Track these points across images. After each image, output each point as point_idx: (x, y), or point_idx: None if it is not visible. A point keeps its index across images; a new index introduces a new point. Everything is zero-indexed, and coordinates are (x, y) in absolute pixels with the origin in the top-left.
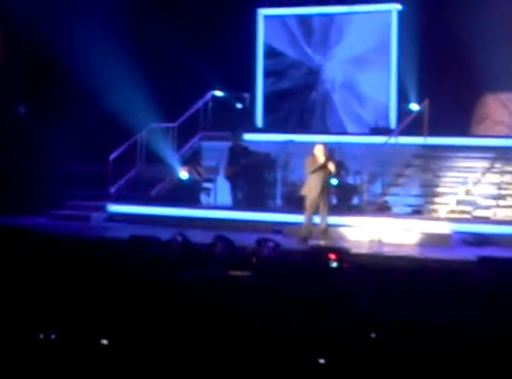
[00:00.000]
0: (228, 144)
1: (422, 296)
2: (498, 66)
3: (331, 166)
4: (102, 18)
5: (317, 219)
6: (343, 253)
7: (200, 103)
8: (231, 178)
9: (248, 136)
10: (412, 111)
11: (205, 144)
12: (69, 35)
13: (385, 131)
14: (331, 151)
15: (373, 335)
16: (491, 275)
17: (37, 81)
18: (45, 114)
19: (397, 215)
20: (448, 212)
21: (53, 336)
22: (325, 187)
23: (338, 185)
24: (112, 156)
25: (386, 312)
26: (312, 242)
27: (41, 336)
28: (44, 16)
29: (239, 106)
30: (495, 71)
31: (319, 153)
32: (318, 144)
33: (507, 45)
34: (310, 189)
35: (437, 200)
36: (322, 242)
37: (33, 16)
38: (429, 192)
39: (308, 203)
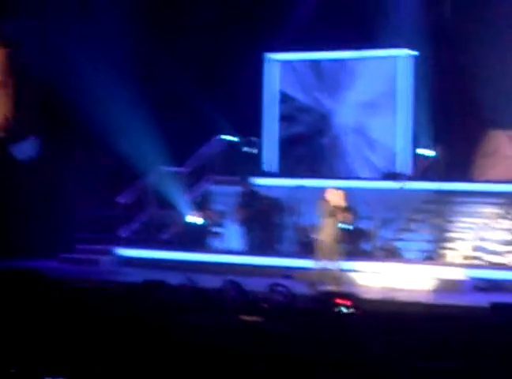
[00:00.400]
0: (238, 188)
1: (434, 342)
2: None
3: (345, 214)
4: (113, 61)
5: (329, 264)
6: (353, 299)
7: (210, 147)
8: (242, 221)
9: (258, 181)
10: (423, 157)
11: (215, 188)
12: (81, 79)
13: (397, 176)
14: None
15: None
16: (504, 321)
17: (48, 126)
18: (56, 158)
19: (409, 261)
20: (460, 258)
21: None
22: (339, 232)
23: (350, 230)
24: (121, 200)
25: (397, 358)
26: (322, 288)
27: None
28: (56, 60)
29: (248, 150)
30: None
31: (332, 198)
32: (330, 188)
33: None
34: (324, 233)
35: (449, 245)
36: (333, 288)
37: (46, 62)
38: (441, 237)
39: (321, 247)
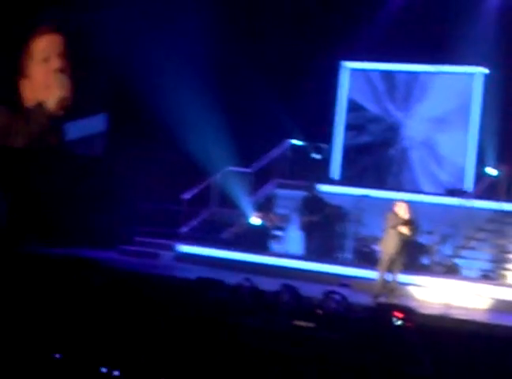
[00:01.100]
0: (302, 193)
1: (486, 363)
2: None
3: (408, 227)
4: (189, 60)
5: (389, 276)
6: (409, 313)
7: (278, 151)
8: (303, 227)
9: (323, 188)
10: (489, 175)
11: (279, 191)
12: (153, 76)
13: (461, 193)
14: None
15: None
16: None
17: (118, 120)
18: (123, 149)
19: (466, 278)
20: None
21: (116, 373)
22: (403, 245)
23: (411, 244)
24: (186, 196)
25: (449, 376)
26: (379, 299)
27: (103, 371)
28: (130, 56)
29: (316, 156)
30: None
31: (400, 210)
32: (400, 201)
33: None
34: (388, 245)
35: (508, 266)
36: (390, 299)
37: (120, 54)
38: (501, 257)
39: (384, 258)
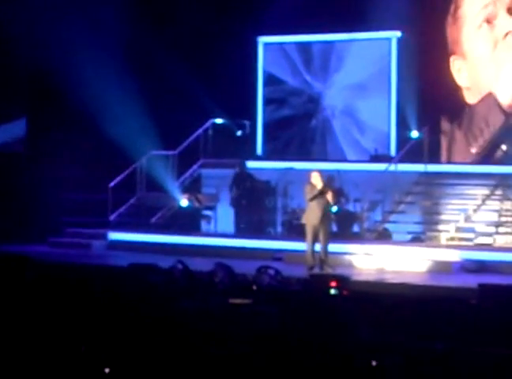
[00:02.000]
0: (228, 171)
1: (422, 324)
2: None
3: (328, 195)
4: (103, 46)
5: (317, 247)
6: (342, 281)
7: (200, 131)
8: (232, 204)
9: (249, 164)
10: (412, 138)
11: (205, 171)
12: (70, 62)
13: (386, 158)
14: (330, 178)
15: (373, 363)
16: (492, 303)
17: (38, 110)
18: (46, 142)
19: (398, 243)
20: (448, 239)
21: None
22: (325, 214)
23: (338, 213)
24: (112, 184)
25: (387, 339)
26: (312, 270)
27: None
28: (46, 42)
29: (239, 133)
30: None
31: (316, 180)
32: (313, 171)
33: None
34: (310, 216)
35: (437, 227)
36: (323, 270)
37: (36, 43)
38: (429, 219)
39: (308, 230)
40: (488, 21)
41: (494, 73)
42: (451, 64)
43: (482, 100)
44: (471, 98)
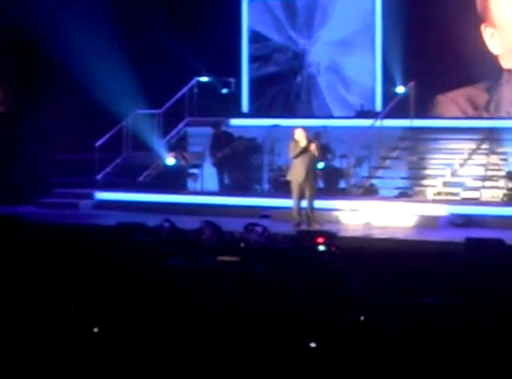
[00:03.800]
0: (213, 129)
1: (410, 278)
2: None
3: (313, 149)
4: (88, 4)
5: (304, 204)
6: (330, 237)
7: (185, 89)
8: (217, 164)
9: (234, 122)
10: (397, 94)
11: (191, 129)
12: (53, 21)
13: (371, 114)
14: (317, 135)
15: (362, 317)
16: (478, 257)
17: (22, 69)
18: (30, 102)
19: (385, 198)
20: (435, 194)
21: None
22: (311, 171)
23: (324, 169)
24: (98, 143)
25: (375, 294)
26: (300, 226)
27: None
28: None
29: (224, 91)
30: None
31: (300, 137)
32: (297, 128)
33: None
34: (295, 173)
35: (424, 182)
36: (310, 227)
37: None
38: (416, 174)
39: (294, 188)
40: None
41: None
42: (482, 31)
43: None
44: (505, 64)
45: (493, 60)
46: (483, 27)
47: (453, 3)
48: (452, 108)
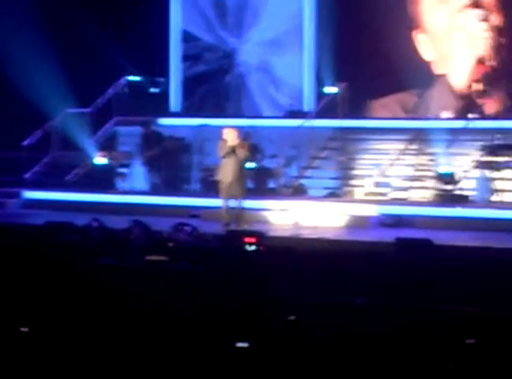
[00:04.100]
0: (142, 129)
1: (340, 278)
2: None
3: (240, 152)
4: (14, 3)
5: (233, 203)
6: (259, 237)
7: (114, 88)
8: (147, 163)
9: (164, 121)
10: (327, 94)
11: (120, 128)
12: None
13: (301, 114)
14: (246, 134)
15: (292, 317)
16: (408, 257)
17: None
18: None
19: (314, 198)
20: (365, 194)
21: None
22: (240, 171)
23: (253, 169)
24: (26, 142)
25: (304, 294)
26: (229, 226)
27: None
28: None
29: (153, 90)
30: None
31: (229, 137)
32: (226, 127)
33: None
34: (224, 173)
35: (353, 182)
36: (239, 226)
37: None
38: (345, 174)
39: (223, 187)
40: None
41: (450, 51)
42: (414, 38)
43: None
44: (437, 70)
45: (425, 66)
46: (414, 33)
47: (385, 8)
48: (384, 114)
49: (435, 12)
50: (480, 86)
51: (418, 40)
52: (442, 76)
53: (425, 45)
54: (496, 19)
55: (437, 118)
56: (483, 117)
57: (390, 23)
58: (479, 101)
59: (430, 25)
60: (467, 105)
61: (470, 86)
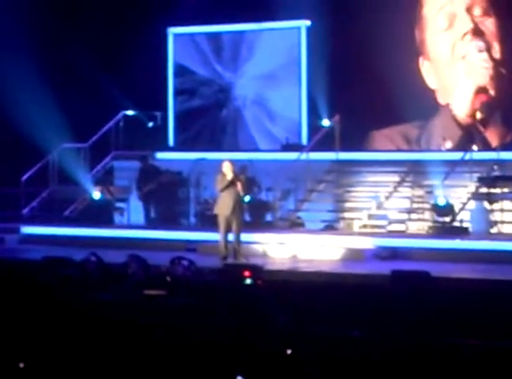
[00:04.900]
0: (139, 163)
1: (336, 311)
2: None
3: (239, 185)
4: (12, 37)
5: (231, 237)
6: (256, 270)
7: (111, 123)
8: (143, 197)
9: (160, 155)
10: (322, 127)
11: (117, 163)
12: None
13: (297, 147)
14: (243, 168)
15: (289, 351)
16: (404, 289)
17: None
18: None
19: (311, 231)
20: (361, 227)
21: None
22: (237, 204)
23: (250, 202)
24: (24, 177)
25: (302, 328)
26: (226, 260)
27: None
28: None
29: (150, 124)
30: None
31: (227, 170)
32: (224, 161)
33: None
34: (222, 207)
35: (350, 214)
36: (236, 260)
37: None
38: (342, 207)
39: (220, 221)
40: (449, 23)
41: (453, 80)
42: (420, 64)
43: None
44: (441, 100)
45: (426, 96)
46: (421, 59)
47: (390, 37)
48: (388, 145)
49: (439, 39)
50: (480, 115)
51: (423, 67)
52: (445, 105)
53: (429, 72)
54: (496, 49)
55: (433, 150)
56: (486, 147)
57: (394, 51)
58: (481, 130)
59: (433, 53)
60: (469, 135)
61: (473, 115)
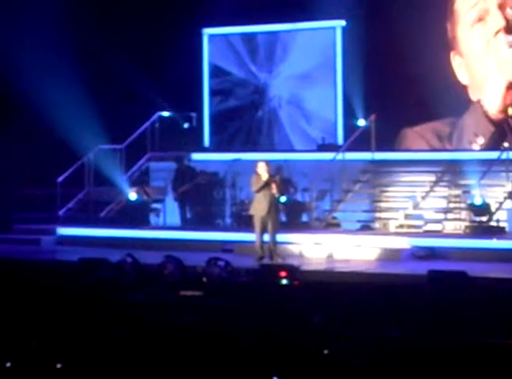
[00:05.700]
0: (175, 164)
1: (374, 311)
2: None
3: (273, 186)
4: (49, 39)
5: (266, 238)
6: (292, 271)
7: (147, 124)
8: (179, 198)
9: (196, 156)
10: (358, 127)
11: (153, 164)
12: (16, 57)
13: (333, 147)
14: (278, 168)
15: (325, 351)
16: (441, 289)
17: None
18: None
19: (347, 231)
20: (397, 227)
21: (8, 364)
22: (273, 205)
23: (286, 203)
24: (60, 179)
25: (339, 328)
26: (263, 260)
27: None
28: None
29: (186, 126)
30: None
31: (262, 171)
32: (259, 161)
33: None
34: (258, 207)
35: (386, 215)
36: (272, 261)
37: None
38: (378, 207)
39: (256, 221)
40: (480, 18)
41: (484, 76)
42: (452, 59)
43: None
44: (472, 96)
45: (458, 92)
46: (452, 54)
47: (422, 33)
48: (420, 142)
49: (471, 34)
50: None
51: (455, 62)
52: (477, 101)
53: (460, 68)
54: None
55: (469, 149)
56: None
57: (426, 48)
58: None
59: (465, 48)
60: (501, 131)
61: (505, 111)
